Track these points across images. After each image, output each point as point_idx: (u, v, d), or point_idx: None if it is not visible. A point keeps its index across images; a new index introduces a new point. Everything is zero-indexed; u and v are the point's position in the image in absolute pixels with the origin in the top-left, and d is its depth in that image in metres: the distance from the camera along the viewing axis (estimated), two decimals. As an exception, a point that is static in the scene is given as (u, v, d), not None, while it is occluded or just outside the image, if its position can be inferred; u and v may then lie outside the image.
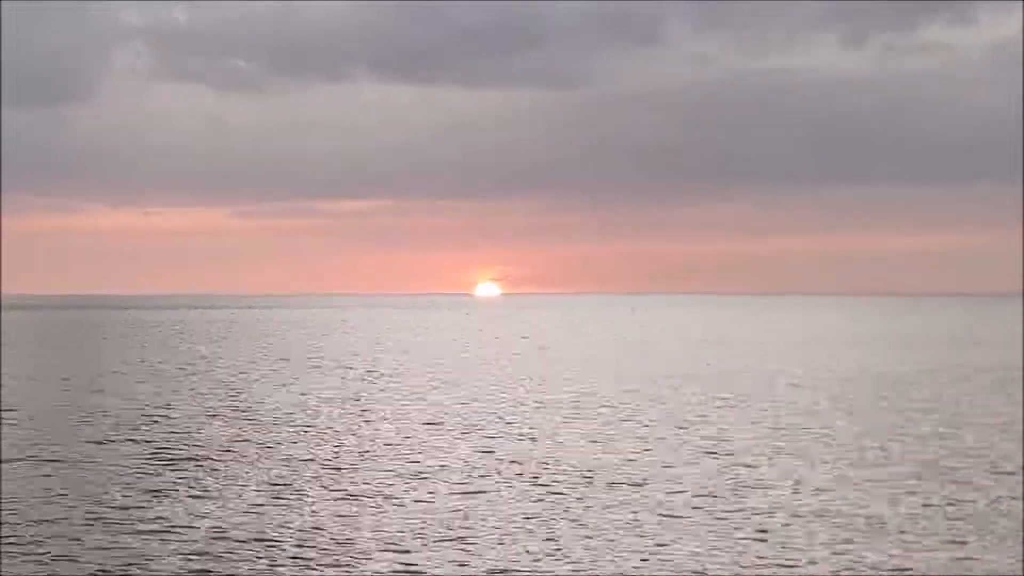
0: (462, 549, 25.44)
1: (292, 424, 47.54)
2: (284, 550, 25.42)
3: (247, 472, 35.50)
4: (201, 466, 36.74)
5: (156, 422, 48.37)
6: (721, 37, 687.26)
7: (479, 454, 39.02)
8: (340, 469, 35.94)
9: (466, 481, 33.72)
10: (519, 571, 23.73)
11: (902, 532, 27.05)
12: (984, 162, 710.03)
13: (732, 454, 38.68)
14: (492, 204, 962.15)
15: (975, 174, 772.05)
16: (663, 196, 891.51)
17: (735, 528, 27.35)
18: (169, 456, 38.86)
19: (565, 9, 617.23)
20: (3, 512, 29.42)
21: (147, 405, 55.14)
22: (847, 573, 23.62)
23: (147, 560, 24.75)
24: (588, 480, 33.71)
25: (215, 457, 38.65)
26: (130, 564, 24.46)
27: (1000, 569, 23.91)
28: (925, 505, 30.15)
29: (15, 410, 53.04)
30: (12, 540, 26.46)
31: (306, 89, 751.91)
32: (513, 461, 37.34)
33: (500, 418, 49.56)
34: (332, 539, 26.40)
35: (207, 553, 25.21)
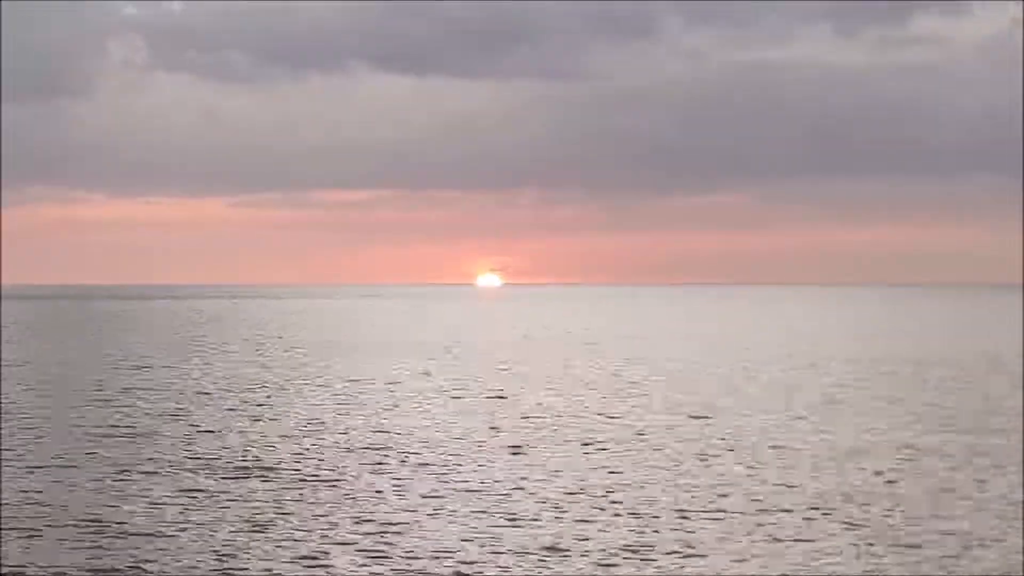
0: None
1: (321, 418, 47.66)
2: (307, 536, 25.52)
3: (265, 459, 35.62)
4: (211, 457, 36.84)
5: (160, 412, 48.53)
6: (714, 31, 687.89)
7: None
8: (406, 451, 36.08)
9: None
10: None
11: (900, 530, 27.09)
12: (980, 155, 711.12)
13: (719, 443, 38.80)
14: (491, 195, 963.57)
15: (973, 166, 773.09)
16: (660, 188, 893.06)
17: (728, 525, 27.41)
18: (175, 447, 39.00)
19: (560, 3, 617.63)
20: (3, 505, 29.49)
21: (153, 395, 55.36)
22: (844, 574, 23.66)
23: (158, 555, 24.82)
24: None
25: (221, 448, 38.76)
26: (139, 558, 24.55)
27: (1000, 569, 23.96)
28: (923, 502, 30.22)
29: (14, 402, 53.10)
30: (10, 536, 26.52)
31: (305, 81, 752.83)
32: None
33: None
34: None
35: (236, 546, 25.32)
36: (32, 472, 34.76)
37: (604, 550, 25.18)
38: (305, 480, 33.40)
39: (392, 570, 23.83)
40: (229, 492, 31.61)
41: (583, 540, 26.07)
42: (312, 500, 30.54)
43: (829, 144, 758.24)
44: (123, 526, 27.50)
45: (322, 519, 28.22)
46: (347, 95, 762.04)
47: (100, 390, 59.02)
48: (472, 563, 24.29)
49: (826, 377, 66.78)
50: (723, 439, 41.27)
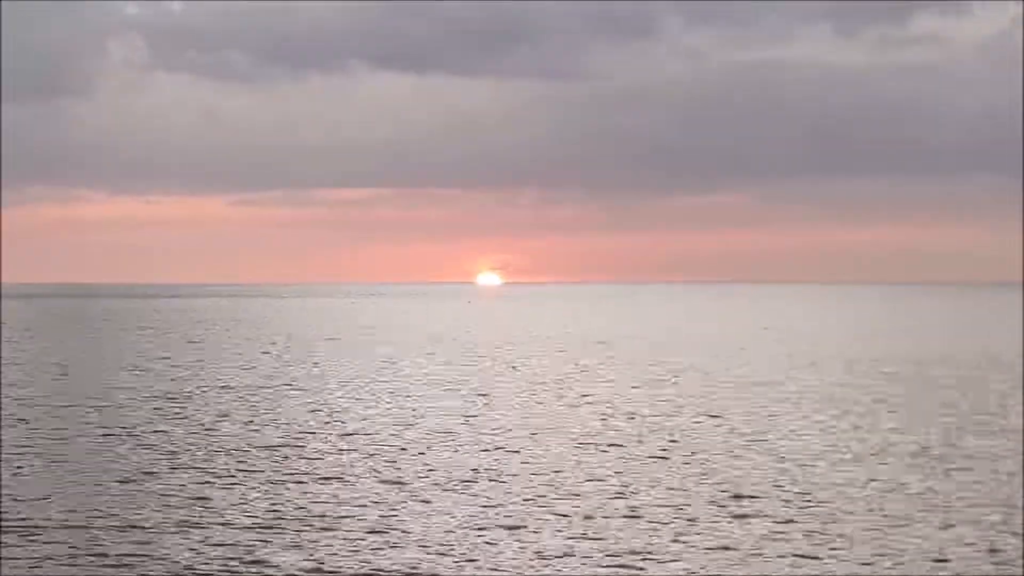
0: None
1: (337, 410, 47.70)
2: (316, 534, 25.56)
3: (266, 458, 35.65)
4: (215, 457, 36.90)
5: (160, 409, 48.57)
6: (714, 31, 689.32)
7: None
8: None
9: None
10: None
11: (898, 530, 27.13)
12: (980, 155, 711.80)
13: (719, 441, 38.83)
14: (491, 195, 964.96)
15: (973, 166, 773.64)
16: (660, 188, 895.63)
17: (730, 524, 27.47)
18: (173, 443, 39.03)
19: (560, 3, 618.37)
20: (3, 500, 29.53)
21: (155, 391, 55.37)
22: (844, 573, 23.70)
23: (161, 554, 24.87)
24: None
25: (221, 446, 38.82)
26: (143, 559, 24.59)
27: (1000, 569, 23.99)
28: (923, 499, 30.25)
29: (14, 401, 53.15)
30: (11, 534, 26.56)
31: (305, 81, 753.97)
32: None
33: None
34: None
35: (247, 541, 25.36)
36: (32, 471, 34.78)
37: (607, 552, 25.25)
38: (310, 480, 33.44)
39: (399, 571, 23.90)
40: (233, 493, 31.65)
41: (586, 541, 26.14)
42: (320, 500, 30.59)
43: (829, 144, 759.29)
44: (124, 526, 27.53)
45: (330, 520, 28.26)
46: (347, 95, 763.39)
47: (100, 390, 59.07)
48: (478, 563, 24.36)
49: (826, 377, 66.77)
50: (721, 439, 41.33)
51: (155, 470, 34.81)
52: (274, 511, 29.03)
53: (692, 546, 25.46)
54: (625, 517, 28.26)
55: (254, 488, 32.02)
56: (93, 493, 31.30)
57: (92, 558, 24.62)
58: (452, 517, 28.39)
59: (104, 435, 42.26)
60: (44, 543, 25.84)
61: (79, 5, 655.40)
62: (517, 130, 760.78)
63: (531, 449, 39.08)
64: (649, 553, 24.87)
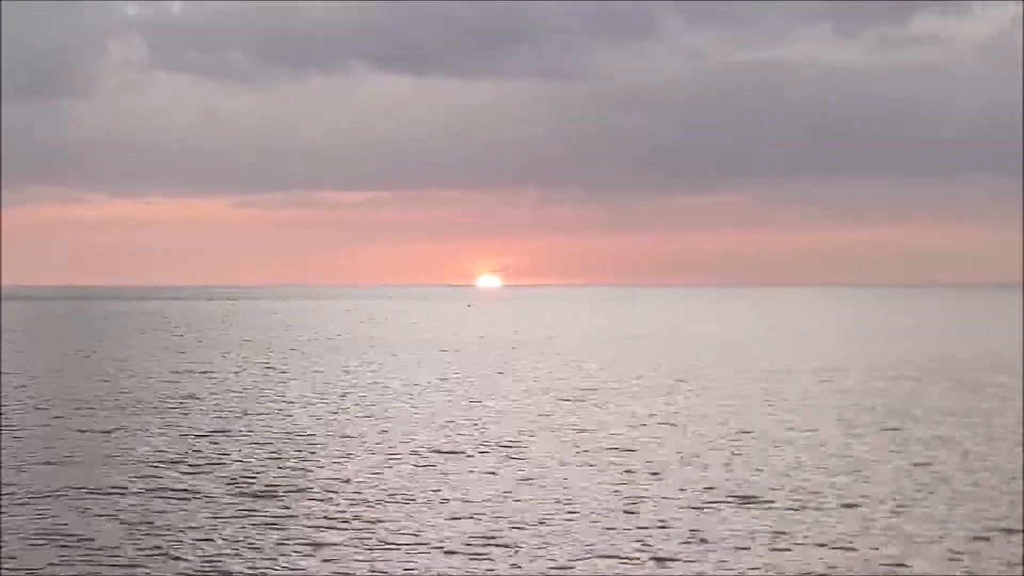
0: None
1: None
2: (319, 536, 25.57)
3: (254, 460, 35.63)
4: (205, 451, 36.90)
5: (162, 412, 48.57)
6: (714, 31, 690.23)
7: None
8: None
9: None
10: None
11: (898, 530, 27.12)
12: (980, 155, 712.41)
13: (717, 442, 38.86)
14: (491, 195, 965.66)
15: (973, 166, 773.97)
16: (660, 188, 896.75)
17: (725, 526, 27.45)
18: (175, 445, 39.01)
19: (560, 3, 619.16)
20: (2, 503, 29.52)
21: (157, 393, 55.37)
22: (843, 573, 23.69)
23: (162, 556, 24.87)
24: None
25: (219, 447, 38.82)
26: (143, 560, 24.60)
27: (1000, 569, 23.98)
28: (923, 500, 30.23)
29: (12, 403, 53.13)
30: (11, 535, 26.55)
31: (305, 81, 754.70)
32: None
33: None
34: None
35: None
36: (32, 474, 34.76)
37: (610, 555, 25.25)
38: (315, 485, 33.45)
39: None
40: (234, 499, 31.66)
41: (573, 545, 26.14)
42: (325, 503, 30.59)
43: (829, 144, 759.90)
44: (126, 528, 27.53)
45: (334, 529, 28.26)
46: (347, 95, 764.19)
47: (97, 395, 59.05)
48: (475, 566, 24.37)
49: (826, 379, 66.76)
50: (721, 442, 41.36)
51: (156, 473, 34.79)
52: (277, 515, 29.03)
53: (694, 548, 25.44)
54: (624, 518, 28.28)
55: (258, 492, 32.02)
56: (93, 496, 31.29)
57: (93, 559, 24.61)
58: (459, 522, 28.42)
59: (102, 440, 42.25)
60: (44, 545, 25.83)
61: (79, 5, 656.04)
62: (517, 130, 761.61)
63: (536, 456, 39.10)
64: (653, 554, 24.87)
